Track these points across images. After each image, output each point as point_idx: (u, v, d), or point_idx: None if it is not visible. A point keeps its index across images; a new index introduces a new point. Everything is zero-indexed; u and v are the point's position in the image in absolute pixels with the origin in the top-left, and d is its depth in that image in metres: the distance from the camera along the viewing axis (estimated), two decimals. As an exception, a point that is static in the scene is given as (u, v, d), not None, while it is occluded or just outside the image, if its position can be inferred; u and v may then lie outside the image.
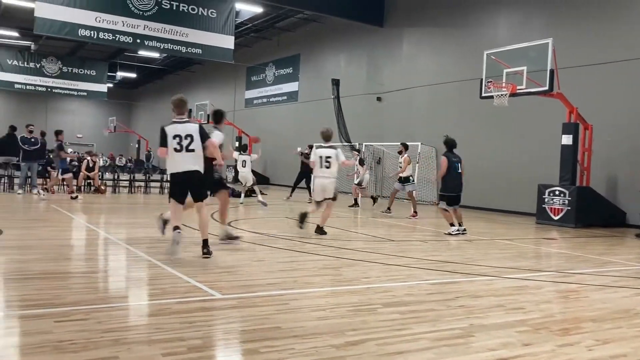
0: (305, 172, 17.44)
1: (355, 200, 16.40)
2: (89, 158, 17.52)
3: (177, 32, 18.75)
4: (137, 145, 44.01)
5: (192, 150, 6.76)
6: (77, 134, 45.21)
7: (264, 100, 30.73)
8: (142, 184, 19.22)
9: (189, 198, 7.05)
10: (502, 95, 13.79)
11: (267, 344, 3.67)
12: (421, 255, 7.93)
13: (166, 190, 18.84)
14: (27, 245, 7.36)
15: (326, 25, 25.26)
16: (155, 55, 32.01)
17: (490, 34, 17.51)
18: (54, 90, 31.68)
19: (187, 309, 4.44)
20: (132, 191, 18.69)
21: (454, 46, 19.08)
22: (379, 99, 22.23)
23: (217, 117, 8.20)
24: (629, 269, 7.61)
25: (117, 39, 18.13)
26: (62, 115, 46.43)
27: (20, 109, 42.36)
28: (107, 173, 20.20)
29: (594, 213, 13.47)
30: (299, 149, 18.54)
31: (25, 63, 30.13)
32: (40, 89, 31.07)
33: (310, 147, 16.27)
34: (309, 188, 17.26)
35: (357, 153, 17.58)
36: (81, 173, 17.08)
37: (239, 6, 21.59)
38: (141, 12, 18.04)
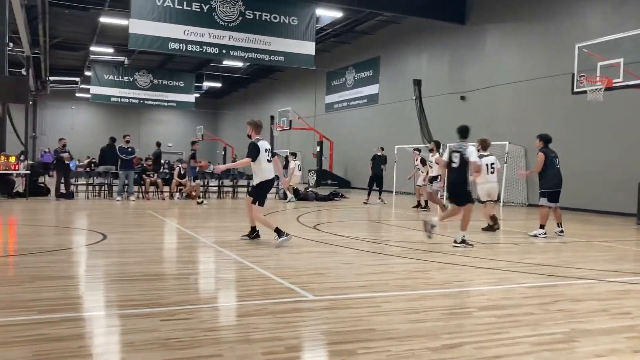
0: (376, 175, 17.89)
1: (419, 202, 16.02)
2: (180, 166, 18.33)
3: (260, 41, 19.24)
4: (223, 152, 45.58)
5: (270, 162, 8.32)
6: (168, 143, 47.42)
7: (344, 104, 30.89)
8: (230, 189, 19.84)
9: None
10: (596, 89, 13.10)
11: (363, 345, 3.70)
12: (514, 258, 7.67)
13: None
14: (128, 248, 7.80)
15: (405, 26, 25.03)
16: (240, 64, 32.99)
17: (580, 25, 16.67)
18: (145, 102, 33.44)
19: (282, 310, 4.55)
20: (221, 197, 19.35)
21: (541, 40, 18.33)
22: (462, 98, 21.74)
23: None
24: None
25: (204, 50, 18.87)
26: (153, 125, 49.00)
27: (115, 120, 45.12)
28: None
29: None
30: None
31: (120, 77, 32.00)
32: (133, 101, 32.85)
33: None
34: (379, 190, 18.02)
35: (417, 152, 16.80)
36: (173, 180, 17.89)
37: (319, 12, 21.83)
38: (226, 24, 18.68)
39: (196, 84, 35.85)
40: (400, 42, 25.82)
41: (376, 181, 17.92)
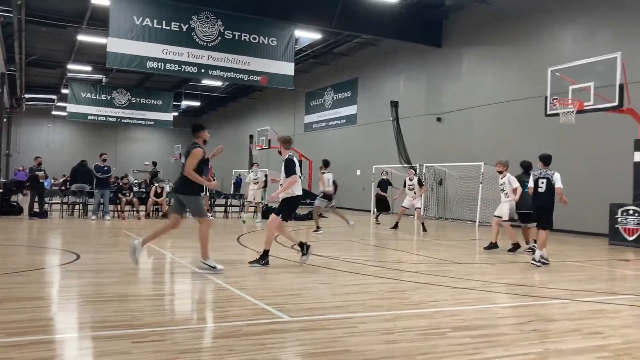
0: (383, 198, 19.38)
1: (397, 222, 15.80)
2: (156, 185, 18.17)
3: (239, 60, 19.30)
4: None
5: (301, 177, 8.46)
6: (145, 162, 47.04)
7: (323, 124, 31.06)
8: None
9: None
10: (568, 112, 13.40)
11: (337, 366, 3.68)
12: (489, 278, 7.74)
13: (230, 214, 19.28)
14: (102, 268, 7.67)
15: (383, 48, 25.37)
16: (219, 83, 33.01)
17: (553, 50, 17.07)
18: (123, 120, 33.15)
19: (257, 331, 4.52)
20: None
21: (515, 63, 18.72)
22: (439, 119, 22.02)
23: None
24: None
25: (182, 70, 18.84)
26: (131, 143, 48.58)
27: (92, 138, 44.64)
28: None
29: (673, 233, 12.76)
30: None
31: (97, 95, 31.72)
32: (110, 119, 32.54)
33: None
34: (380, 212, 19.17)
35: (413, 172, 16.54)
36: (150, 199, 17.72)
37: (298, 33, 22.01)
38: (205, 43, 18.71)
39: (175, 103, 35.72)
40: (378, 64, 26.14)
41: (382, 203, 19.42)
